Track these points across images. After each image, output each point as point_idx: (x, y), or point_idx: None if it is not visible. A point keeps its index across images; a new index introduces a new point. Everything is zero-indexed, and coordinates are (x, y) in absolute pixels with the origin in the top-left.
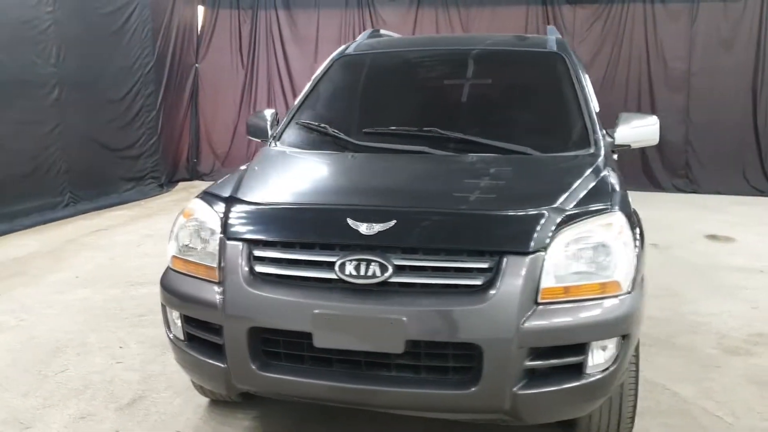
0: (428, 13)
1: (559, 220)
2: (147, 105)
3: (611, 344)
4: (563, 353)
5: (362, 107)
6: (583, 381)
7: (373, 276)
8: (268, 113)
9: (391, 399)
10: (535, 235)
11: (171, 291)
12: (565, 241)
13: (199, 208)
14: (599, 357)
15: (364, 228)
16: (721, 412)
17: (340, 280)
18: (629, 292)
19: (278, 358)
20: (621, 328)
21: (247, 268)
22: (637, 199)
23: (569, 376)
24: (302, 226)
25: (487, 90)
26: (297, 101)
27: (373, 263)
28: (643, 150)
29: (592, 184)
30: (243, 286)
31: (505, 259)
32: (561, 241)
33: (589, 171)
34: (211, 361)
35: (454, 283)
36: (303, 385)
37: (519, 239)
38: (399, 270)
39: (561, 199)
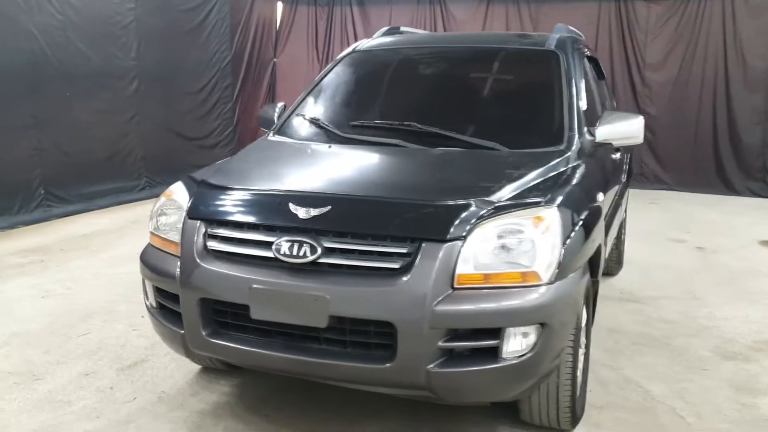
0: (498, 10)
1: (485, 211)
2: (224, 97)
3: (530, 332)
4: (478, 336)
5: (358, 101)
6: (499, 365)
7: (304, 256)
8: (278, 106)
9: (320, 370)
10: (455, 224)
11: (146, 264)
12: (487, 232)
13: (177, 189)
14: (517, 343)
15: (302, 212)
16: (686, 412)
17: (276, 258)
18: (551, 283)
19: (226, 327)
20: (537, 317)
21: (201, 244)
22: (705, 202)
23: (485, 359)
24: (251, 209)
25: (476, 87)
26: (302, 94)
27: (305, 244)
28: (717, 151)
29: (541, 179)
30: (196, 260)
31: (422, 246)
32: (483, 231)
33: (546, 167)
34: (173, 328)
35: (375, 265)
36: (245, 353)
37: (437, 227)
38: (328, 252)
39: (498, 192)
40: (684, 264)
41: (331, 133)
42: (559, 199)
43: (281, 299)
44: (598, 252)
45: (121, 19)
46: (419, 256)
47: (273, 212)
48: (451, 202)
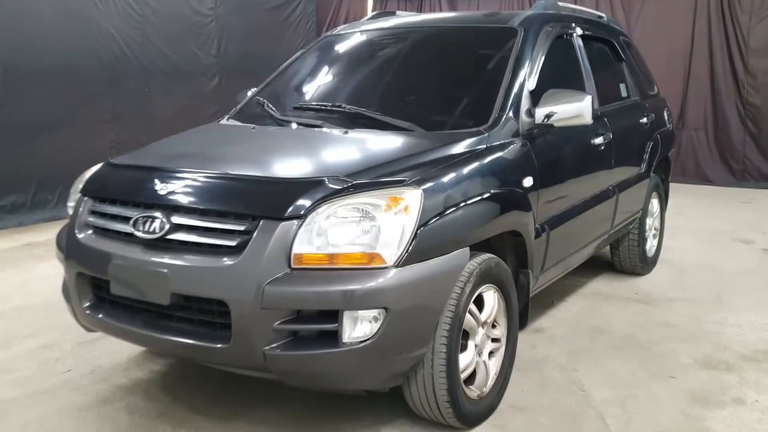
0: None
1: (338, 188)
2: None
3: (373, 316)
4: (316, 319)
5: (311, 84)
6: (338, 350)
7: (153, 232)
8: (248, 93)
9: (169, 347)
10: (296, 201)
11: (56, 239)
12: (332, 210)
13: (91, 170)
14: (361, 328)
15: (160, 188)
16: (616, 420)
17: (132, 234)
18: (397, 266)
19: (103, 301)
20: (377, 301)
21: (83, 220)
22: None
23: (324, 343)
24: (124, 185)
25: (423, 67)
26: (268, 79)
27: (156, 220)
28: None
29: (422, 160)
30: (75, 234)
31: (260, 224)
32: (328, 209)
33: (451, 147)
34: (66, 302)
35: (215, 242)
36: (116, 328)
37: (275, 205)
38: (177, 228)
39: (369, 171)
40: (734, 266)
41: (272, 115)
42: (433, 180)
43: (132, 275)
44: (523, 241)
45: (201, 18)
46: (255, 234)
47: (139, 188)
48: (297, 179)
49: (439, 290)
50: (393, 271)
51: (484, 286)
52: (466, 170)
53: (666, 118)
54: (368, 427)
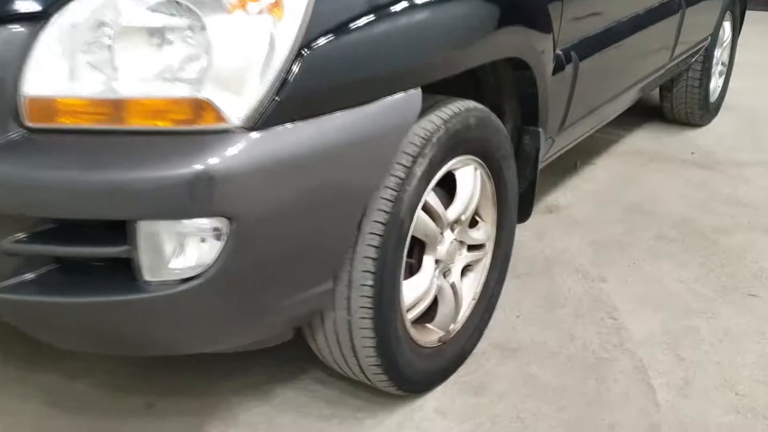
0: None
1: None
2: None
3: (212, 229)
4: (91, 236)
5: None
6: (139, 295)
7: None
8: None
9: None
10: None
11: None
12: (113, 7)
13: None
14: (185, 255)
15: None
16: (665, 380)
17: None
18: (253, 128)
19: None
20: (214, 203)
21: None
22: None
23: (114, 282)
24: None
25: None
26: None
27: None
28: None
29: None
30: None
31: None
32: (104, 3)
33: None
34: None
35: None
36: None
37: None
38: None
39: None
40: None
41: None
42: None
43: None
44: (531, 77)
45: None
46: None
47: None
48: None
49: (356, 175)
50: (244, 138)
51: (455, 161)
52: None
53: None
54: (257, 387)
